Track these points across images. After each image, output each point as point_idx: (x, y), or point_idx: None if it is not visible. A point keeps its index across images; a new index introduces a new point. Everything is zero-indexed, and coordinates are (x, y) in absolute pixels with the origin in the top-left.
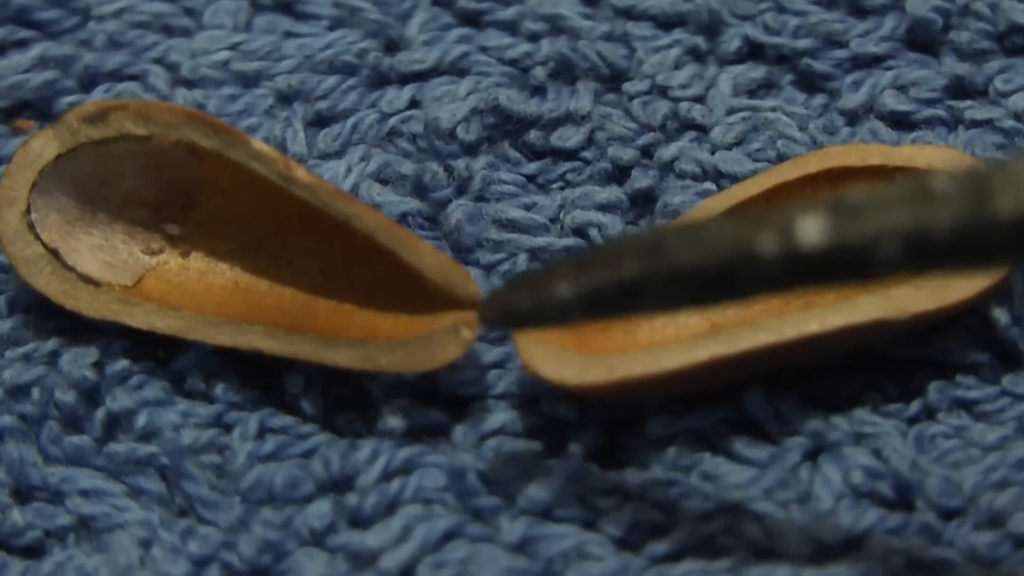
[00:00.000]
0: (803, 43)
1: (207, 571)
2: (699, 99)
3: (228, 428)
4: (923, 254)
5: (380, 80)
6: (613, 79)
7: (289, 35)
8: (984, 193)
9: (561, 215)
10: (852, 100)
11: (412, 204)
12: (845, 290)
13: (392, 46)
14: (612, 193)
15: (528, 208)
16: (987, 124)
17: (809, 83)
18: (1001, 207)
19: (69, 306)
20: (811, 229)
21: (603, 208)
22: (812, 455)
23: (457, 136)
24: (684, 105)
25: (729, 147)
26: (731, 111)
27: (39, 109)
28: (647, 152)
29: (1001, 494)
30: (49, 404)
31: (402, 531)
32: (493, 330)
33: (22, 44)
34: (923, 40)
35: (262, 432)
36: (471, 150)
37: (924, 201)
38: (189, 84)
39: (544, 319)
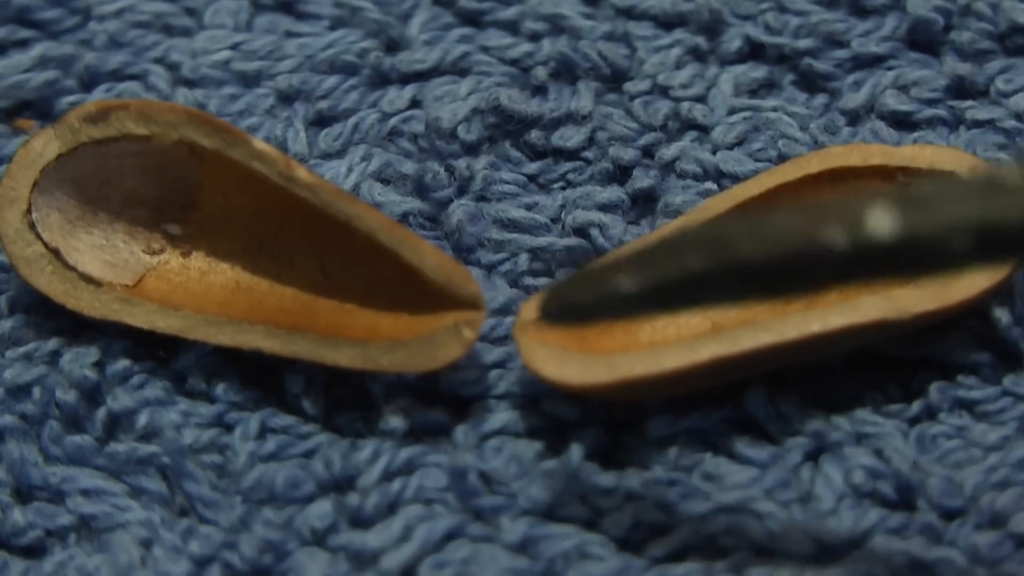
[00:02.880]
0: (804, 43)
1: (208, 571)
2: (700, 99)
3: (229, 428)
4: (995, 245)
5: (381, 80)
6: (614, 79)
7: (290, 35)
8: None
9: (562, 215)
10: (853, 100)
11: (413, 204)
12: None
13: (393, 46)
14: (613, 193)
15: (529, 208)
16: (988, 124)
17: (810, 83)
18: None
19: (70, 306)
20: (882, 221)
21: (604, 208)
22: (813, 455)
23: (458, 136)
24: (685, 105)
25: (730, 147)
26: (732, 111)
27: (40, 109)
28: (648, 152)
29: (1002, 494)
30: (50, 403)
31: (403, 531)
32: (552, 323)
33: (23, 44)
34: (924, 40)
35: (263, 432)
36: (472, 150)
37: (995, 192)
38: (190, 84)
39: (605, 312)
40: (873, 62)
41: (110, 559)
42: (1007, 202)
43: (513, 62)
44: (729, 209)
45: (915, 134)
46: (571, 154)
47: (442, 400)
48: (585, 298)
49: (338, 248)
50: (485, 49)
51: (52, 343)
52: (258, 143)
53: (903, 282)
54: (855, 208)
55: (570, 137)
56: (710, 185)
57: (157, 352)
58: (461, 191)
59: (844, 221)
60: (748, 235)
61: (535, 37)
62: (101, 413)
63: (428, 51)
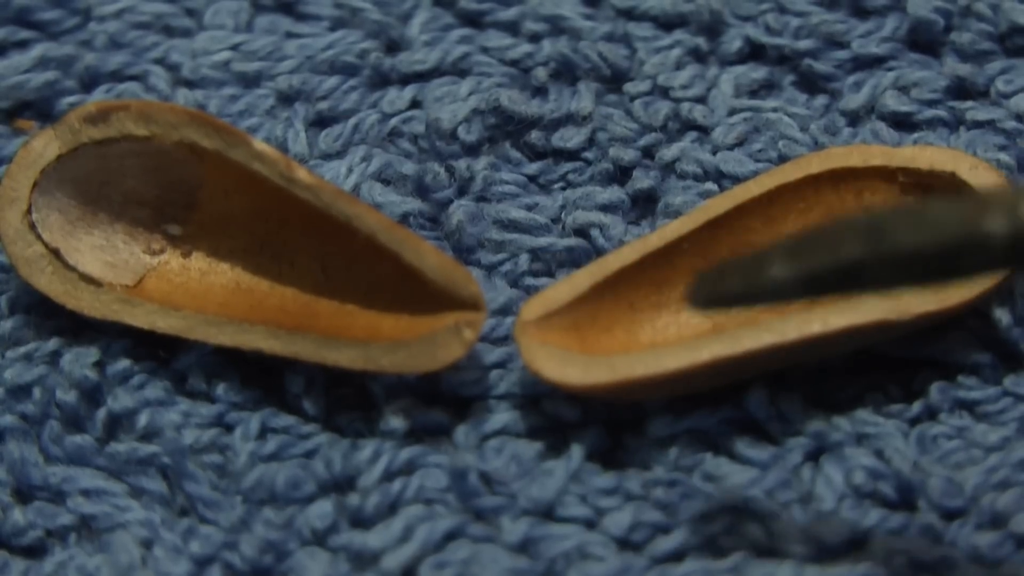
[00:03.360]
0: (804, 44)
1: (209, 571)
2: (700, 100)
3: (230, 428)
4: None
5: (381, 80)
6: (614, 80)
7: (290, 35)
8: None
9: (562, 215)
10: (853, 101)
11: (413, 204)
12: None
13: (393, 46)
14: (613, 193)
15: (529, 208)
16: (988, 125)
17: (810, 84)
18: None
19: (70, 306)
20: None
21: (604, 208)
22: (814, 455)
23: (458, 136)
24: (685, 106)
25: (730, 148)
26: (732, 112)
27: (40, 109)
28: (648, 153)
29: (1003, 494)
30: (50, 404)
31: (404, 531)
32: (703, 312)
33: (23, 44)
34: (924, 41)
35: (264, 432)
36: (472, 150)
37: None
38: (190, 84)
39: (757, 299)
40: (873, 63)
41: (110, 559)
42: None
43: (513, 63)
44: (730, 210)
45: (915, 135)
46: (571, 155)
47: (443, 400)
48: (736, 285)
49: (339, 249)
50: (485, 50)
51: (52, 343)
52: (258, 144)
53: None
54: (1014, 196)
55: (570, 138)
56: (710, 186)
57: (157, 352)
58: (461, 192)
59: (1004, 209)
60: (907, 223)
61: (535, 38)
62: (101, 413)
63: (428, 52)
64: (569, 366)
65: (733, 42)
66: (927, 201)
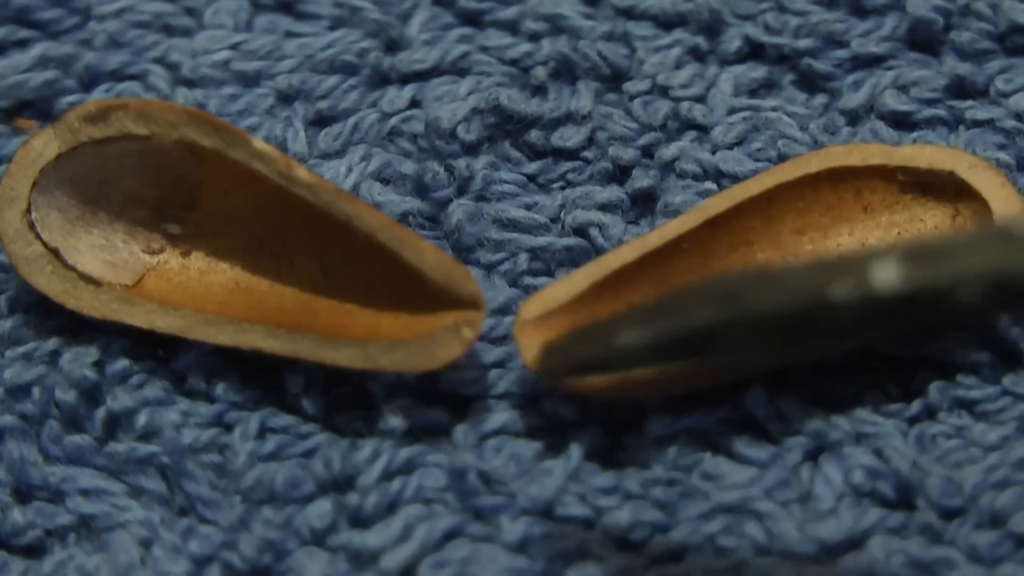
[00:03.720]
0: (804, 43)
1: (208, 570)
2: (700, 99)
3: (229, 427)
4: (1005, 297)
5: (381, 80)
6: (614, 79)
7: (290, 35)
8: None
9: (562, 215)
10: (853, 100)
11: (413, 203)
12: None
13: (393, 46)
14: (613, 193)
15: (529, 208)
16: (988, 124)
17: (810, 83)
18: None
19: (70, 305)
20: (887, 273)
21: (604, 208)
22: (813, 455)
23: (458, 136)
24: (685, 105)
25: (730, 147)
26: (732, 111)
27: (40, 108)
28: (648, 152)
29: (1002, 494)
30: (50, 403)
31: (403, 531)
32: (553, 379)
33: (23, 44)
34: (924, 40)
35: (263, 431)
36: (472, 150)
37: (1006, 245)
38: (190, 83)
39: (610, 367)
40: (873, 62)
41: (110, 559)
42: (1018, 255)
43: (513, 62)
44: (729, 209)
45: (914, 134)
46: (571, 154)
47: (442, 400)
48: (588, 353)
49: (338, 248)
50: (485, 49)
51: (52, 343)
52: (258, 143)
53: (912, 332)
54: (863, 261)
55: (570, 137)
56: (709, 185)
57: (157, 352)
58: (461, 191)
59: (852, 274)
60: (759, 288)
61: (535, 37)
62: (101, 413)
63: (428, 51)
64: None
65: (732, 41)
66: (780, 266)
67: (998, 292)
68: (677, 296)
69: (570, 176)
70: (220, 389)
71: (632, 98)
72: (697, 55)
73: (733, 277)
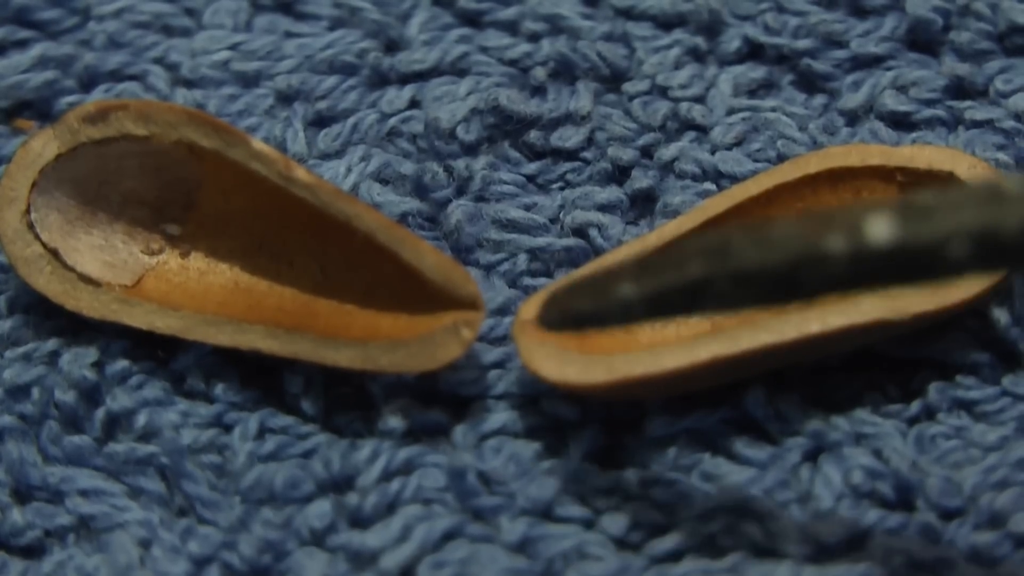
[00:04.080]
0: (803, 43)
1: (207, 571)
2: (699, 99)
3: (228, 428)
4: (992, 253)
5: (380, 80)
6: (613, 79)
7: (289, 35)
8: None
9: (561, 215)
10: (852, 100)
11: (412, 204)
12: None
13: (392, 46)
14: (612, 193)
15: (528, 208)
16: (987, 124)
17: (809, 83)
18: None
19: (69, 306)
20: (880, 228)
21: (603, 208)
22: (812, 455)
23: (457, 136)
24: (684, 105)
25: (729, 147)
26: (731, 111)
27: (39, 109)
28: (647, 152)
29: (1001, 494)
30: (49, 404)
31: (402, 531)
32: (550, 329)
33: (22, 44)
34: (923, 40)
35: (262, 432)
36: (471, 150)
37: (995, 201)
38: (189, 84)
39: (606, 320)
40: (872, 62)
41: (109, 559)
42: (1006, 211)
43: (512, 62)
44: (728, 209)
45: (914, 134)
46: (570, 154)
47: (441, 400)
48: (585, 305)
49: (337, 248)
50: (484, 49)
51: (51, 343)
52: (257, 143)
53: (902, 289)
54: (854, 215)
55: (569, 137)
56: (709, 185)
57: (156, 352)
58: (460, 191)
59: (844, 228)
60: (750, 242)
61: (534, 37)
62: (100, 413)
63: (427, 51)
64: (568, 366)
65: (732, 42)
66: (771, 221)
67: (986, 248)
68: (671, 250)
69: (569, 176)
70: (219, 390)
71: (631, 98)
72: (696, 55)
73: (725, 231)
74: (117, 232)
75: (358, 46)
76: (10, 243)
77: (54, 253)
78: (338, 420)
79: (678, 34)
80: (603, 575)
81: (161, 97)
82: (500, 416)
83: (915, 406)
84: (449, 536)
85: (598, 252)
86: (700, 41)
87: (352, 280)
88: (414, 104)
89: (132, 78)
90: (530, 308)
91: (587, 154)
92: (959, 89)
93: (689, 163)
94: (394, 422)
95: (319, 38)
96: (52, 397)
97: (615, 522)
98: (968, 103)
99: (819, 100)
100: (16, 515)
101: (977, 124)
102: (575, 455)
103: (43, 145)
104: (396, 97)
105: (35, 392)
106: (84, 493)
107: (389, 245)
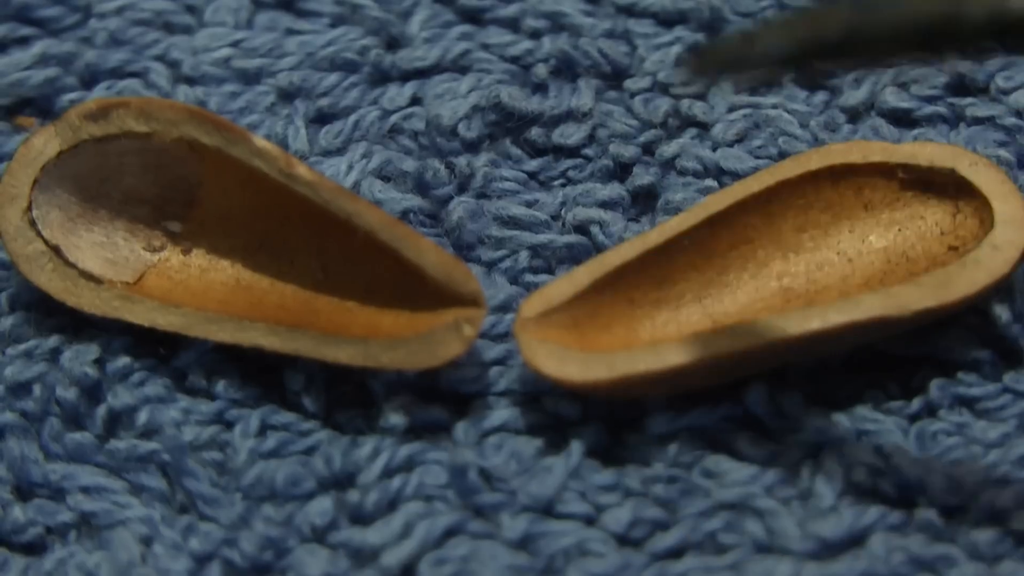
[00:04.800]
0: None
1: (208, 568)
2: (700, 96)
3: (229, 425)
4: None
5: (382, 77)
6: (614, 76)
7: (290, 32)
8: None
9: (563, 212)
10: (853, 97)
11: (413, 201)
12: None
13: (393, 43)
14: (613, 190)
15: (529, 205)
16: (988, 121)
17: (810, 80)
18: None
19: (70, 303)
20: None
21: (604, 205)
22: (814, 452)
23: (458, 133)
24: (685, 102)
25: (730, 144)
26: (732, 108)
27: (40, 106)
28: (648, 149)
29: (1002, 491)
30: (50, 401)
31: (403, 528)
32: (698, 78)
33: (23, 41)
34: None
35: (263, 429)
36: (472, 147)
37: None
38: (190, 81)
39: (751, 64)
40: None
41: (110, 556)
42: None
43: (514, 59)
44: (729, 206)
45: (915, 131)
46: (571, 151)
47: (442, 397)
48: (732, 53)
49: (338, 245)
50: (486, 46)
51: (52, 340)
52: (258, 140)
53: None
54: None
55: (570, 134)
56: (710, 182)
57: (157, 349)
58: (461, 188)
59: None
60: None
61: (536, 34)
62: (101, 410)
63: (429, 48)
64: (569, 363)
65: None
66: None
67: None
68: (816, 8)
69: (571, 173)
70: (221, 387)
71: (633, 95)
72: None
73: None
74: (118, 229)
75: (359, 43)
76: (11, 240)
77: (55, 250)
78: (339, 417)
79: (679, 31)
80: (604, 572)
81: (162, 94)
82: (501, 413)
83: (916, 403)
84: (450, 533)
85: (599, 249)
86: (701, 38)
87: (353, 277)
88: (415, 101)
89: (133, 75)
90: (532, 305)
91: (588, 151)
92: (960, 86)
93: (690, 160)
94: (395, 419)
95: (320, 35)
96: (53, 394)
97: (616, 519)
98: (969, 100)
99: (820, 97)
100: (17, 512)
101: (978, 121)
102: (576, 452)
103: (44, 142)
104: (397, 94)
105: (36, 389)
106: (85, 490)
107: (390, 242)
